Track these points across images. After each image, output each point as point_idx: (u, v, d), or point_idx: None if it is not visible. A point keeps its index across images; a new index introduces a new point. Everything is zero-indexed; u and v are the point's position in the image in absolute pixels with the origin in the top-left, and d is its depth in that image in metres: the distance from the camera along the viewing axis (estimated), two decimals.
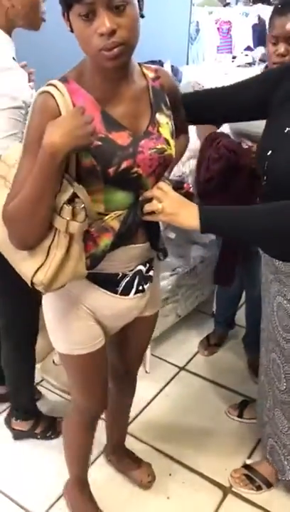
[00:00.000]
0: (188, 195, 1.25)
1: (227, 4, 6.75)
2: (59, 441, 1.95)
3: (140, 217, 1.19)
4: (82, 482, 1.71)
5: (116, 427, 1.85)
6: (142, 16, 1.06)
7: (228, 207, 1.25)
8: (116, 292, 1.29)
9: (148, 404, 2.21)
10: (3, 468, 1.91)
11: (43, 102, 1.06)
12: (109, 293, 1.29)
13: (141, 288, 1.33)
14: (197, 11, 5.84)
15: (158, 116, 1.18)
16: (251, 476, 1.84)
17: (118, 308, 1.33)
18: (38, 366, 2.38)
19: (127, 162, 1.11)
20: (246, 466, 1.89)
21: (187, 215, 1.19)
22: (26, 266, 1.13)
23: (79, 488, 1.72)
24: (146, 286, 1.35)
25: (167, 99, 1.23)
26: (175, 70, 3.52)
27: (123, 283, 1.29)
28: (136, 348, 1.59)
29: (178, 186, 1.43)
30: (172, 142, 1.20)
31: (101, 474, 1.88)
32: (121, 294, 1.30)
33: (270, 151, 1.36)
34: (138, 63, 1.20)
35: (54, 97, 1.05)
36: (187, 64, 4.68)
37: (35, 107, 1.08)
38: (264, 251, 1.55)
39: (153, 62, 2.49)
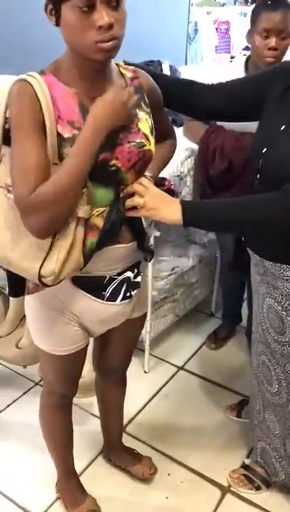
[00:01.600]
0: (169, 192, 1.25)
1: (224, 5, 6.76)
2: None
3: (123, 214, 1.19)
4: (67, 472, 1.72)
5: (111, 425, 1.86)
6: None
7: (209, 200, 1.26)
8: (102, 298, 1.28)
9: (147, 403, 2.21)
10: (2, 468, 1.91)
11: (19, 87, 1.07)
12: (95, 299, 1.28)
13: (128, 294, 1.32)
14: (196, 11, 5.85)
15: (137, 111, 1.20)
16: (250, 476, 1.84)
17: (104, 314, 1.32)
18: (36, 366, 2.39)
19: (105, 154, 1.12)
20: (245, 467, 1.89)
21: (169, 209, 1.19)
22: (29, 261, 1.12)
23: (65, 479, 1.73)
24: (133, 293, 1.34)
25: (146, 98, 1.24)
26: (173, 70, 3.51)
27: (110, 289, 1.28)
28: (124, 347, 1.60)
29: (159, 183, 1.43)
30: (151, 138, 1.22)
31: (100, 474, 1.88)
32: (107, 300, 1.29)
33: (265, 149, 1.36)
34: (116, 63, 1.22)
35: (30, 84, 1.06)
36: (185, 64, 4.67)
37: (13, 95, 1.08)
38: (251, 249, 1.54)
39: (151, 62, 2.48)
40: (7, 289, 2.48)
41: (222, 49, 6.55)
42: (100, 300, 1.28)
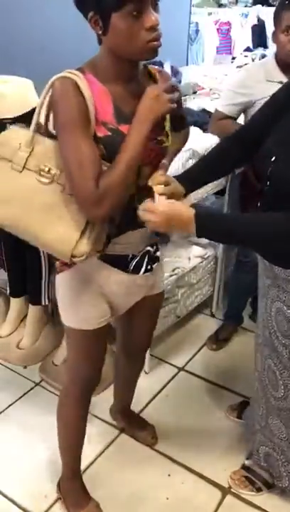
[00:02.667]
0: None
1: (221, 5, 6.77)
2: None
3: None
4: (73, 471, 1.74)
5: (123, 393, 2.01)
6: None
7: (223, 214, 1.28)
8: (127, 272, 1.41)
9: (147, 404, 2.21)
10: (2, 468, 1.91)
11: (64, 85, 1.13)
12: (120, 272, 1.40)
13: (149, 267, 1.45)
14: (197, 12, 5.85)
15: None
16: (251, 477, 1.84)
17: (129, 285, 1.44)
18: (37, 367, 2.40)
19: None
20: (245, 468, 1.88)
21: (180, 225, 1.24)
22: (63, 243, 1.19)
23: (71, 478, 1.74)
24: (154, 266, 1.47)
25: None
26: (174, 71, 3.52)
27: (133, 263, 1.41)
28: (145, 328, 1.72)
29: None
30: (170, 135, 1.32)
31: (100, 474, 1.88)
32: (131, 273, 1.42)
33: (274, 157, 1.35)
34: (144, 64, 1.30)
35: (74, 80, 1.13)
36: (186, 65, 4.67)
37: (58, 92, 1.13)
38: (263, 256, 1.55)
39: (153, 63, 2.48)
40: (8, 289, 2.49)
41: (223, 50, 6.56)
42: (125, 273, 1.41)
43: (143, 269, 1.43)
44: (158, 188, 1.24)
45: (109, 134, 1.17)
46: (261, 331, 1.63)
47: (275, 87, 1.52)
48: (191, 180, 1.44)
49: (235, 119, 2.24)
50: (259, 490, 1.82)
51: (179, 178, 1.39)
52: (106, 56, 1.19)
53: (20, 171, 1.19)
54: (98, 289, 1.41)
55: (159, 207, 1.22)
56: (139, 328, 1.70)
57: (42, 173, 1.18)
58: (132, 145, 1.15)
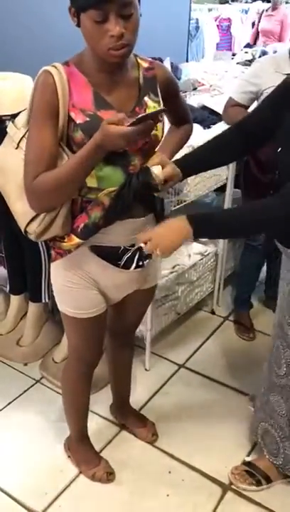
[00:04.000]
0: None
1: (226, 2, 6.76)
2: (59, 437, 1.96)
3: (131, 198, 1.31)
4: (81, 436, 1.86)
5: (119, 387, 2.02)
6: (140, 15, 1.20)
7: (213, 213, 1.31)
8: (118, 265, 1.44)
9: (148, 401, 2.21)
10: (2, 465, 1.91)
11: (43, 78, 1.23)
12: (111, 266, 1.43)
13: (141, 263, 1.47)
14: (197, 9, 5.84)
15: (146, 99, 1.32)
16: (251, 471, 1.85)
17: (119, 280, 1.48)
18: (37, 364, 2.40)
19: None
20: (246, 463, 1.89)
21: (177, 239, 1.27)
22: (23, 216, 1.33)
23: (79, 441, 1.86)
24: (145, 262, 1.49)
25: (158, 90, 1.36)
26: (174, 67, 3.51)
27: (125, 257, 1.43)
28: (135, 315, 1.76)
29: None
30: (159, 124, 1.33)
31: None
32: (122, 267, 1.45)
33: (280, 148, 1.40)
34: (134, 54, 1.33)
35: (52, 75, 1.21)
36: (186, 61, 4.66)
37: (38, 83, 1.24)
38: (280, 243, 1.58)
39: (153, 59, 2.48)
40: (8, 286, 2.49)
41: (224, 46, 6.55)
42: (116, 267, 1.44)
43: (134, 265, 1.45)
44: (153, 162, 1.31)
45: (88, 119, 1.24)
46: (277, 311, 1.70)
47: (281, 78, 1.54)
48: (188, 165, 1.46)
49: (247, 108, 2.28)
50: (258, 483, 1.83)
51: (176, 162, 1.43)
52: (88, 48, 1.23)
53: (16, 148, 1.34)
54: (90, 280, 1.45)
55: (149, 232, 1.29)
56: (129, 314, 1.73)
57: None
58: (76, 163, 1.21)
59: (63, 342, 2.32)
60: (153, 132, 1.30)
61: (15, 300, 2.54)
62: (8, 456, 1.95)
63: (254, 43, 6.13)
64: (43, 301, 2.39)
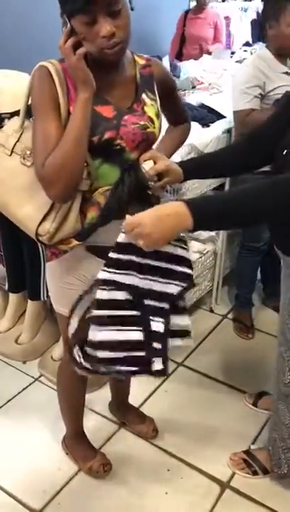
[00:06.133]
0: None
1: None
2: (58, 435, 1.96)
3: (127, 196, 1.30)
4: (78, 433, 1.88)
5: (118, 383, 1.99)
6: (132, 9, 1.20)
7: (212, 197, 1.30)
8: None
9: (146, 399, 2.21)
10: (0, 463, 1.91)
11: (39, 72, 1.24)
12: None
13: None
14: None
15: (143, 96, 1.33)
16: (249, 461, 1.87)
17: None
18: (36, 362, 2.40)
19: (110, 133, 1.25)
20: (246, 452, 1.91)
21: (174, 221, 1.10)
22: (32, 221, 1.28)
23: (76, 439, 1.88)
24: None
25: (155, 87, 1.36)
26: (173, 66, 3.51)
27: None
28: None
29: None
30: (156, 121, 1.33)
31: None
32: None
33: (285, 151, 1.39)
34: (131, 52, 1.35)
35: (48, 68, 1.23)
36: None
37: (34, 78, 1.24)
38: (279, 249, 1.58)
39: (151, 57, 2.48)
40: (6, 284, 2.49)
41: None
42: None
43: None
44: (144, 157, 1.30)
45: None
46: (280, 318, 1.69)
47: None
48: (190, 168, 1.42)
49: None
50: (254, 473, 1.85)
51: (181, 163, 1.41)
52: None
53: (9, 155, 1.31)
54: (86, 281, 1.43)
55: (139, 216, 1.11)
56: None
57: (25, 156, 1.30)
58: (72, 120, 1.20)
59: (62, 340, 2.32)
60: (150, 129, 1.31)
61: (13, 298, 2.54)
62: (6, 454, 1.95)
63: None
64: (42, 299, 2.39)
